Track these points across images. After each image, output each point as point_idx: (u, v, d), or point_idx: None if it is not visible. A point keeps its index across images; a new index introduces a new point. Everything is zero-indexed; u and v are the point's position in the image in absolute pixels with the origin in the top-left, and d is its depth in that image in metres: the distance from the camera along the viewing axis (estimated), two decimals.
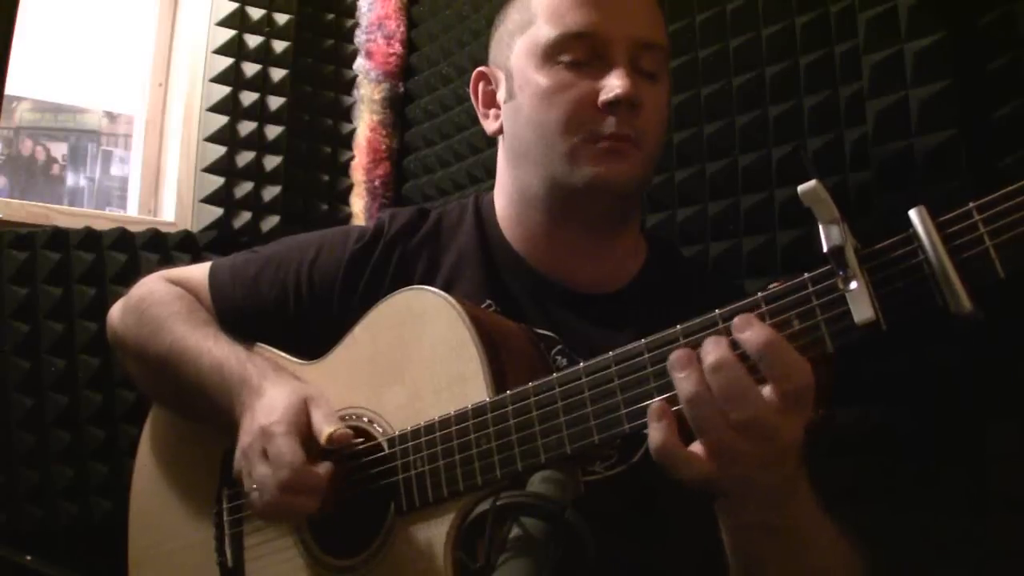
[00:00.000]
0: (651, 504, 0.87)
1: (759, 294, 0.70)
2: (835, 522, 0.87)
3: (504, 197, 1.09)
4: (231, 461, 1.04)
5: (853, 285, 0.65)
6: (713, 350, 0.68)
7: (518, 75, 1.03)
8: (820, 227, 0.67)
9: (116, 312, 1.19)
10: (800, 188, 0.68)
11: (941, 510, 1.02)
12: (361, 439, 0.92)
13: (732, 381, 0.67)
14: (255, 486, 0.90)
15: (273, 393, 0.95)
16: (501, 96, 1.07)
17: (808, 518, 0.77)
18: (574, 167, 0.97)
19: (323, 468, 0.88)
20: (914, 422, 1.06)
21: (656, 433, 0.69)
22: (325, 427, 0.90)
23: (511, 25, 1.06)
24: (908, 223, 0.64)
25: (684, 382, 0.68)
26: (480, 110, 1.12)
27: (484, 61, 1.12)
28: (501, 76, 1.07)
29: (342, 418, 0.94)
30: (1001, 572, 0.96)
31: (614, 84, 0.94)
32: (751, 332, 0.67)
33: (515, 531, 0.64)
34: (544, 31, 0.99)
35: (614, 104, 0.94)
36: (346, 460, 0.92)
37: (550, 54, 0.98)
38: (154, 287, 1.16)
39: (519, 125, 1.03)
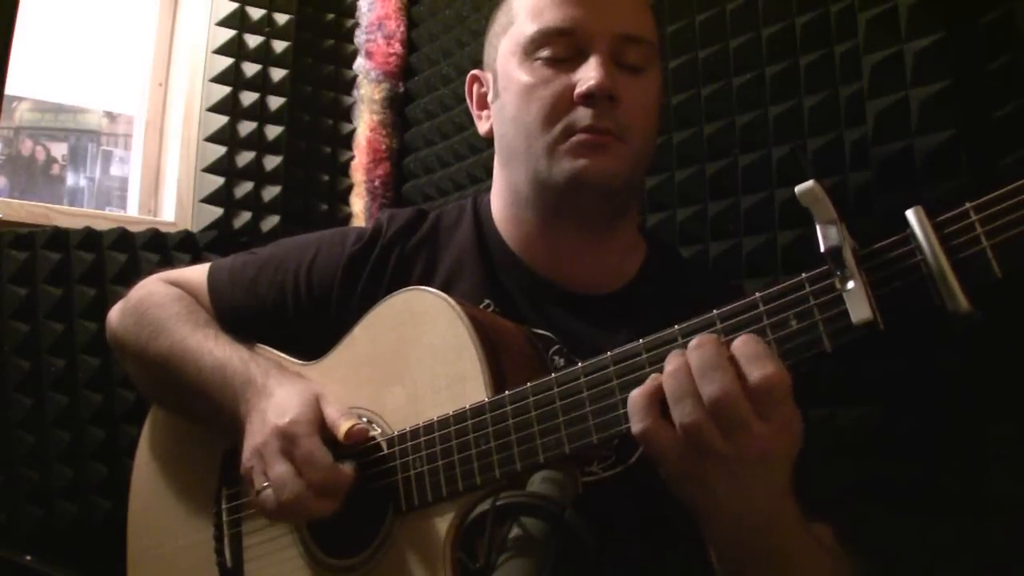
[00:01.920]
0: (650, 505, 0.87)
1: (757, 294, 0.70)
2: (827, 527, 0.88)
3: (499, 198, 1.09)
4: (231, 462, 1.04)
5: (851, 285, 0.65)
6: (699, 336, 0.70)
7: (502, 75, 1.04)
8: (818, 227, 0.67)
9: (115, 314, 1.18)
10: (798, 188, 0.68)
11: (941, 510, 1.02)
12: (376, 432, 0.92)
13: (708, 356, 0.68)
14: (267, 484, 0.89)
15: (282, 393, 0.95)
16: (490, 97, 1.08)
17: (793, 537, 0.77)
18: (553, 162, 0.96)
19: (348, 468, 0.88)
20: (914, 423, 1.06)
21: (637, 389, 0.71)
22: (342, 422, 0.89)
23: (497, 27, 1.07)
24: (905, 223, 0.64)
25: (669, 362, 0.70)
26: (474, 112, 1.13)
27: (482, 63, 1.13)
28: (489, 78, 1.08)
29: None
30: (1001, 572, 0.96)
31: (588, 76, 0.94)
32: (737, 340, 0.69)
33: (515, 531, 0.64)
34: (524, 28, 1.00)
35: (590, 97, 0.94)
36: (350, 458, 0.92)
37: (530, 51, 0.99)
38: (153, 289, 1.16)
39: (504, 124, 1.04)
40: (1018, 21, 0.96)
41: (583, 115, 0.95)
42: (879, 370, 1.09)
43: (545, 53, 0.98)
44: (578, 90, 0.94)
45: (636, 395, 0.71)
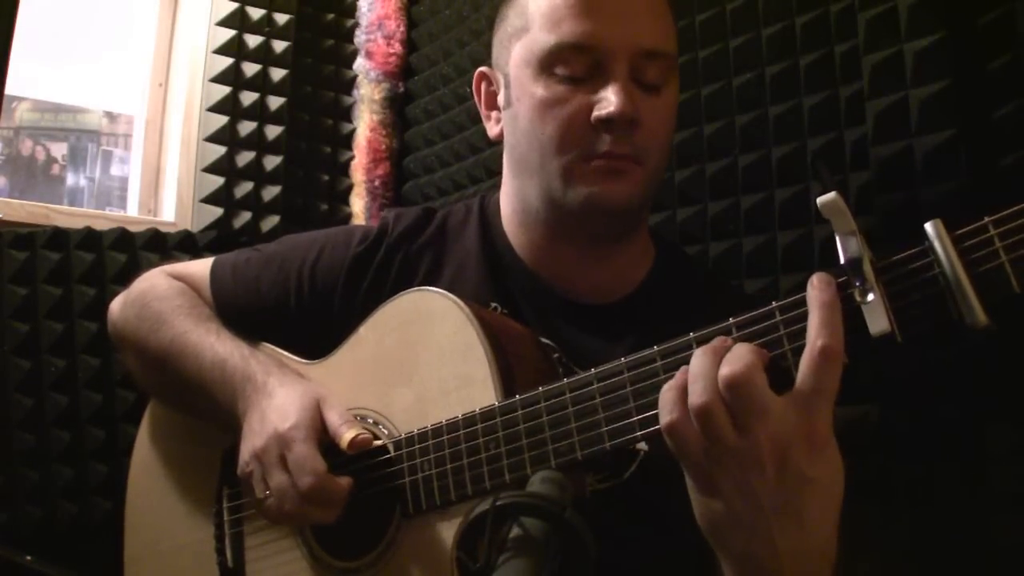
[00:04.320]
0: (639, 524, 0.86)
1: (774, 304, 0.70)
2: None
3: (508, 203, 1.07)
4: (231, 460, 1.04)
5: (870, 297, 0.65)
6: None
7: (515, 83, 0.99)
8: (838, 239, 0.67)
9: (116, 306, 1.18)
10: (819, 200, 0.67)
11: (941, 510, 1.02)
12: (383, 434, 0.92)
13: (739, 348, 0.66)
14: (269, 493, 0.89)
15: (283, 394, 0.94)
16: (501, 101, 1.05)
17: None
18: (568, 186, 0.94)
19: (345, 480, 0.88)
20: (914, 422, 1.06)
21: (670, 383, 0.69)
22: (345, 431, 0.89)
23: (509, 28, 1.02)
24: (923, 235, 0.64)
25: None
26: (483, 112, 1.09)
27: (484, 61, 1.10)
28: (501, 79, 1.04)
29: None
30: (1001, 572, 0.96)
31: (608, 101, 0.90)
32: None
33: (515, 531, 0.64)
34: (540, 39, 0.94)
35: (609, 121, 0.90)
36: (352, 462, 0.92)
37: (546, 65, 0.94)
38: (156, 281, 1.16)
39: (517, 135, 1.00)
40: (1018, 21, 0.96)
41: (602, 140, 0.91)
42: (879, 370, 1.09)
43: (561, 70, 0.93)
44: (597, 114, 0.90)
45: (667, 387, 0.68)
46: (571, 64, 0.93)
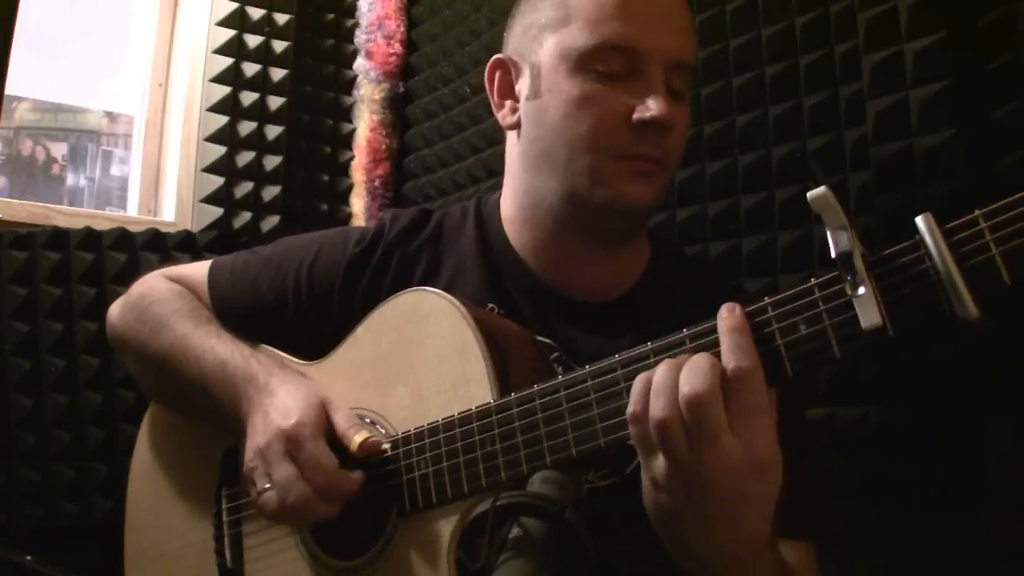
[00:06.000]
0: (642, 518, 0.86)
1: (766, 299, 0.70)
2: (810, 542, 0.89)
3: (513, 199, 1.07)
4: (231, 461, 1.04)
5: (861, 291, 0.65)
6: (700, 355, 0.70)
7: (547, 75, 0.98)
8: (828, 233, 0.67)
9: (116, 309, 1.18)
10: (810, 194, 0.67)
11: (941, 509, 1.02)
12: (389, 444, 0.92)
13: (699, 360, 0.68)
14: (269, 486, 0.89)
15: (285, 393, 0.94)
16: (522, 90, 1.03)
17: None
18: (595, 183, 0.95)
19: (356, 474, 0.88)
20: (914, 422, 1.06)
21: (644, 373, 0.71)
22: (354, 434, 0.89)
23: (542, 19, 1.00)
24: (914, 229, 0.64)
25: (666, 360, 0.71)
26: (495, 100, 1.07)
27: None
28: (525, 69, 1.02)
29: None
30: (1001, 572, 0.96)
31: (652, 105, 0.92)
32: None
33: (515, 531, 0.64)
34: (580, 36, 0.95)
35: (648, 124, 0.92)
36: (351, 459, 0.92)
37: (584, 62, 0.94)
38: (155, 284, 1.16)
39: (543, 128, 0.99)
40: (1018, 21, 0.96)
41: (637, 141, 0.93)
42: (878, 369, 1.10)
43: (600, 68, 0.94)
44: (639, 116, 0.92)
45: (641, 376, 0.71)
46: (609, 63, 0.94)
